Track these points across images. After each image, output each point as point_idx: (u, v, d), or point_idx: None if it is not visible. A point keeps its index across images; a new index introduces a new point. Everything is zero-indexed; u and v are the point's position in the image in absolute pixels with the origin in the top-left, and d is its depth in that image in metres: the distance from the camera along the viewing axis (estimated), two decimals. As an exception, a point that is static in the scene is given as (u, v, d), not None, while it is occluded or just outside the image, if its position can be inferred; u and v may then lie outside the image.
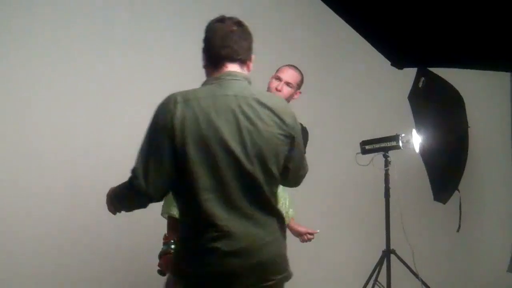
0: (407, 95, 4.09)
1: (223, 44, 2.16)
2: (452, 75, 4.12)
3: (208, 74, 2.20)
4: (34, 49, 3.70)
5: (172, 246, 2.56)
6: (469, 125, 4.22)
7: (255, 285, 2.10)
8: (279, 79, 3.16)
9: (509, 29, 3.25)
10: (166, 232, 2.70)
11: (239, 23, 2.24)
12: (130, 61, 3.88)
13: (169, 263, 2.37)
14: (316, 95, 4.70)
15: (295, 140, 2.18)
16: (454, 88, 4.15)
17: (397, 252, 3.91)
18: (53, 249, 3.65)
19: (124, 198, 2.17)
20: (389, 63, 4.04)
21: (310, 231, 3.02)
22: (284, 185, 2.44)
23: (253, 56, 2.25)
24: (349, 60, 4.74)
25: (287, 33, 4.63)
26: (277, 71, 3.20)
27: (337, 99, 4.75)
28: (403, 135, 3.84)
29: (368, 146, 3.89)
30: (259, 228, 2.10)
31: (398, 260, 3.89)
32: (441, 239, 4.80)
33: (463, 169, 4.25)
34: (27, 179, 3.63)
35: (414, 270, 3.83)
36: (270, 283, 2.11)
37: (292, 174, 2.26)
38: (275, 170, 2.12)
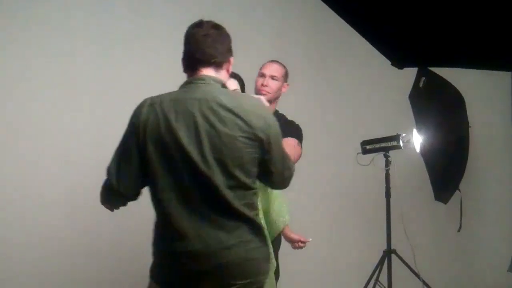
0: (407, 95, 4.09)
1: (197, 49, 2.20)
2: (452, 75, 4.12)
3: (187, 78, 2.24)
4: (33, 48, 3.70)
5: None
6: (470, 124, 4.22)
7: None
8: (263, 75, 3.16)
9: (509, 28, 3.24)
10: None
11: (215, 27, 2.25)
12: (130, 61, 3.88)
13: None
14: (316, 95, 4.70)
15: (266, 142, 2.13)
16: (455, 88, 4.15)
17: (398, 252, 3.91)
18: (52, 249, 3.64)
19: (104, 195, 2.25)
20: (389, 62, 4.04)
21: (302, 239, 2.99)
22: (271, 187, 2.44)
23: (231, 59, 2.25)
24: (349, 60, 4.74)
25: (287, 33, 4.63)
26: (260, 68, 3.20)
27: (337, 99, 4.74)
28: (403, 135, 3.83)
29: (368, 146, 3.89)
30: (221, 231, 2.09)
31: (399, 260, 3.89)
32: (442, 239, 4.79)
33: (464, 169, 4.24)
34: (27, 179, 3.63)
35: (415, 270, 3.83)
36: (234, 287, 2.11)
37: (276, 177, 2.24)
38: (239, 173, 2.10)
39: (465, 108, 4.18)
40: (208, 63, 2.19)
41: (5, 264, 3.53)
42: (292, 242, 3.00)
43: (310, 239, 2.98)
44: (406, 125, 3.95)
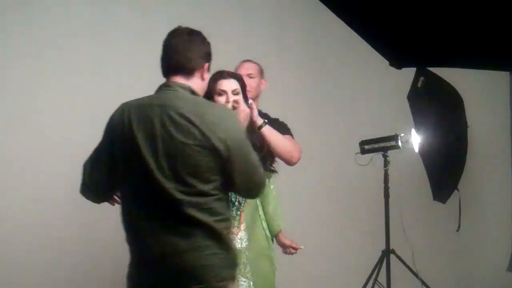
0: (406, 95, 4.09)
1: (167, 56, 2.25)
2: (451, 75, 4.13)
3: None
4: (32, 47, 3.70)
5: None
6: (468, 124, 4.23)
7: None
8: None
9: (508, 28, 3.25)
10: None
11: (189, 33, 2.26)
12: (134, 59, 3.88)
13: None
14: (315, 95, 4.71)
15: (225, 152, 2.12)
16: (453, 88, 4.16)
17: (397, 251, 3.91)
18: (53, 249, 3.65)
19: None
20: (388, 63, 4.04)
21: (294, 245, 2.98)
22: (242, 196, 2.45)
23: (206, 65, 2.26)
24: (348, 60, 4.74)
25: (285, 33, 4.63)
26: (235, 70, 3.18)
27: (336, 99, 4.75)
28: (402, 135, 3.84)
29: (367, 146, 3.89)
30: (177, 237, 2.12)
31: (397, 260, 3.89)
32: (440, 238, 4.80)
33: (463, 169, 4.25)
34: (26, 179, 3.63)
35: (414, 270, 3.83)
36: None
37: (241, 186, 2.23)
38: (194, 181, 2.10)
39: (464, 108, 4.19)
40: (176, 70, 2.23)
41: (4, 264, 3.53)
42: (284, 247, 2.99)
43: (302, 247, 2.97)
44: (404, 125, 3.95)
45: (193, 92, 2.23)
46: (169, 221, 2.13)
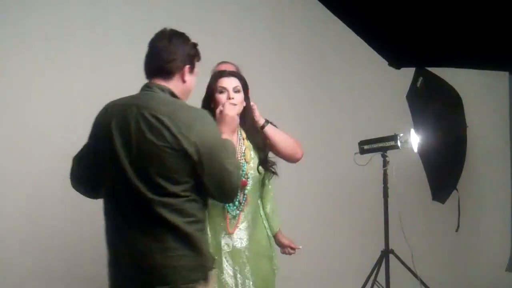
0: (405, 95, 4.09)
1: (148, 58, 2.30)
2: (450, 75, 4.13)
3: None
4: (31, 46, 3.70)
5: None
6: (467, 124, 4.23)
7: None
8: None
9: (507, 28, 3.25)
10: None
11: (170, 36, 2.29)
12: (130, 59, 3.87)
13: None
14: (314, 95, 4.71)
15: (195, 156, 2.14)
16: (453, 88, 4.15)
17: (396, 252, 3.91)
18: (53, 249, 3.65)
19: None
20: (386, 63, 4.04)
21: (292, 245, 2.97)
22: (216, 200, 2.43)
23: (186, 67, 2.28)
24: (347, 60, 4.74)
25: (284, 33, 4.63)
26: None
27: (335, 99, 4.75)
28: (401, 135, 3.84)
29: (366, 146, 3.89)
30: (147, 237, 2.15)
31: (397, 260, 3.89)
32: (440, 238, 4.80)
33: (462, 169, 4.25)
34: (24, 178, 3.63)
35: (413, 270, 3.83)
36: None
37: (212, 190, 2.24)
38: (164, 182, 2.13)
39: (463, 108, 4.19)
40: (155, 72, 2.27)
41: (4, 265, 3.54)
42: (282, 246, 2.99)
43: (300, 247, 2.97)
44: (403, 125, 3.95)
45: (172, 94, 2.26)
46: (141, 221, 2.16)
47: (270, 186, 2.95)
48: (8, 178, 3.61)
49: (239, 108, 2.73)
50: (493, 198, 5.01)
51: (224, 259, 2.68)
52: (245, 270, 2.71)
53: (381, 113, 4.68)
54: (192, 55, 2.31)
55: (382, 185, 3.93)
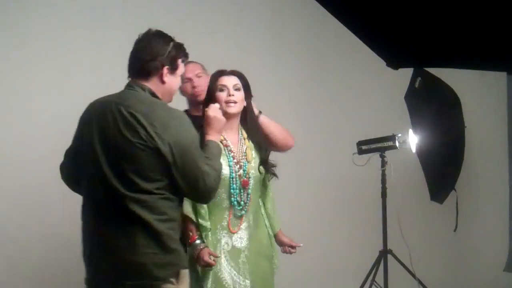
0: (403, 95, 4.09)
1: (129, 59, 2.35)
2: (448, 75, 4.13)
3: None
4: (31, 46, 3.70)
5: (199, 241, 2.62)
6: (465, 125, 4.23)
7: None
8: (188, 78, 3.08)
9: (505, 29, 3.25)
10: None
11: (151, 36, 2.34)
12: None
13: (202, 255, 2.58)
14: (312, 95, 4.72)
15: (168, 155, 2.18)
16: (451, 88, 4.15)
17: (394, 252, 3.91)
18: (52, 249, 3.65)
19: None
20: (384, 63, 4.04)
21: (293, 244, 2.96)
22: (192, 200, 2.48)
23: (165, 69, 2.30)
24: (344, 60, 4.75)
25: (282, 34, 4.64)
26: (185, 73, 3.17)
27: (333, 100, 4.75)
28: (399, 135, 3.84)
29: (364, 147, 3.89)
30: (118, 233, 2.20)
31: (395, 260, 3.90)
32: (438, 238, 4.81)
33: (460, 169, 4.25)
34: (24, 178, 3.63)
35: (411, 270, 3.84)
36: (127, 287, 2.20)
37: (187, 190, 2.27)
38: (137, 179, 2.17)
39: (461, 108, 4.19)
40: (135, 71, 2.32)
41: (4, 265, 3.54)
42: (283, 245, 2.98)
43: (301, 244, 2.97)
44: (402, 126, 3.96)
45: (153, 94, 2.29)
46: (113, 216, 2.20)
47: (270, 187, 2.95)
48: (8, 178, 3.61)
49: (239, 107, 2.73)
50: (491, 198, 5.02)
51: (223, 258, 2.68)
52: (244, 270, 2.72)
53: (379, 114, 4.69)
54: (174, 57, 2.33)
55: (381, 185, 3.93)
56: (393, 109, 4.42)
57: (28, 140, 3.64)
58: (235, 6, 4.43)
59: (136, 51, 2.33)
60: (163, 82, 2.31)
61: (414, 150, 3.90)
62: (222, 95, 2.70)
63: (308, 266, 4.33)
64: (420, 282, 3.86)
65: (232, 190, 2.69)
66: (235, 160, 2.72)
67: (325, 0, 3.49)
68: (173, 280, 2.23)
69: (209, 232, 2.66)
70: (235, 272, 2.69)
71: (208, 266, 2.58)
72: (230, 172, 2.69)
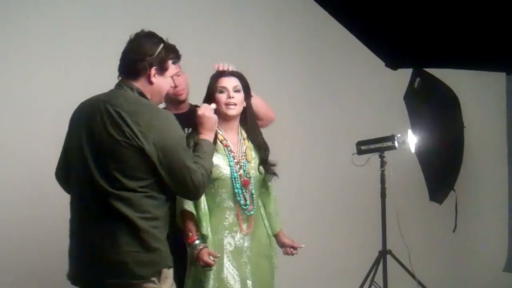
0: (402, 96, 4.10)
1: (120, 60, 2.38)
2: (447, 76, 4.14)
3: None
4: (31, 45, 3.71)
5: (198, 241, 2.62)
6: (464, 125, 4.24)
7: (93, 285, 2.26)
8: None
9: (504, 29, 3.26)
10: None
11: (140, 37, 2.36)
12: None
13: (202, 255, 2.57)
14: (311, 96, 4.72)
15: (153, 153, 2.20)
16: (450, 89, 4.16)
17: (394, 252, 3.91)
18: (52, 249, 3.65)
19: None
20: (383, 64, 4.05)
21: (295, 245, 2.94)
22: (180, 196, 2.49)
23: (152, 70, 2.31)
24: (344, 61, 4.75)
25: (281, 34, 4.64)
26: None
27: (332, 100, 4.76)
28: (399, 135, 3.84)
29: (364, 147, 3.89)
30: (102, 230, 2.22)
31: (394, 260, 3.90)
32: (437, 239, 4.81)
33: (459, 169, 4.25)
34: (24, 179, 3.63)
35: (411, 270, 3.84)
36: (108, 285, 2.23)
37: (175, 187, 2.29)
38: (121, 177, 2.20)
39: (460, 108, 4.20)
40: (123, 71, 2.35)
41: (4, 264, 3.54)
42: (284, 246, 2.98)
43: (303, 245, 2.96)
44: (401, 126, 3.96)
45: (141, 94, 2.31)
46: (98, 214, 2.22)
47: (272, 187, 2.95)
48: (8, 178, 3.61)
49: (239, 108, 2.74)
50: (491, 199, 5.03)
51: (226, 258, 2.68)
52: (246, 270, 2.72)
53: (378, 114, 4.69)
54: (163, 57, 2.34)
55: (380, 186, 3.94)
56: (392, 109, 4.42)
57: (28, 140, 3.65)
58: (235, 6, 4.44)
59: (126, 51, 2.35)
60: (150, 82, 2.33)
61: (413, 151, 3.91)
62: (222, 97, 2.70)
63: (308, 266, 4.33)
64: (420, 283, 3.86)
65: (236, 190, 2.69)
66: (235, 160, 2.72)
67: (325, 1, 3.50)
68: (154, 279, 2.25)
69: (210, 233, 2.66)
70: (237, 272, 2.69)
71: (208, 266, 2.58)
72: (231, 172, 2.70)
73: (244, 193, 2.71)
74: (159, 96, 2.40)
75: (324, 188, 4.61)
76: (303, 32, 4.71)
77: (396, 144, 3.82)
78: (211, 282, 2.62)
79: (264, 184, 2.89)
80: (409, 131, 3.89)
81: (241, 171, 2.72)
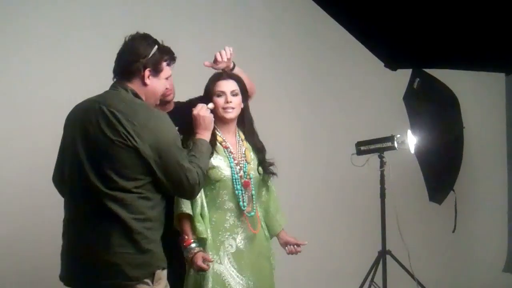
0: (402, 96, 4.10)
1: (115, 61, 2.38)
2: (446, 76, 4.14)
3: None
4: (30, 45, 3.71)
5: (194, 245, 2.61)
6: (464, 125, 4.24)
7: (88, 286, 2.26)
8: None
9: (503, 30, 3.26)
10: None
11: (134, 39, 2.36)
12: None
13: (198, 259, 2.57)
14: (311, 96, 4.72)
15: (148, 153, 2.21)
16: (449, 89, 4.17)
17: (393, 252, 3.92)
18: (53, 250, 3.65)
19: None
20: (382, 64, 4.05)
21: (299, 242, 2.93)
22: (176, 195, 2.50)
23: (146, 71, 2.32)
24: (343, 61, 4.76)
25: (280, 35, 4.65)
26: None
27: (332, 101, 4.76)
28: (398, 135, 3.85)
29: (363, 147, 3.90)
30: (96, 232, 2.22)
31: (394, 261, 3.90)
32: (436, 239, 4.81)
33: (458, 170, 4.26)
34: (24, 179, 3.63)
35: (410, 271, 3.84)
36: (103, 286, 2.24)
37: (170, 187, 2.30)
38: (116, 176, 2.20)
39: (459, 109, 4.20)
40: (118, 73, 2.36)
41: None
42: (288, 244, 2.97)
43: (306, 242, 2.96)
44: (400, 126, 3.97)
45: (136, 95, 2.32)
46: (91, 214, 2.23)
47: (273, 187, 2.96)
48: (8, 178, 3.61)
49: (236, 112, 2.74)
50: (490, 199, 5.03)
51: (227, 260, 2.68)
52: (247, 271, 2.72)
53: (378, 114, 4.69)
54: (157, 59, 2.35)
55: (379, 186, 3.94)
56: (392, 110, 4.42)
57: (28, 140, 3.64)
58: (235, 7, 4.44)
59: (120, 53, 2.36)
60: (145, 84, 2.34)
61: (412, 151, 3.91)
62: (220, 101, 2.70)
63: (307, 267, 4.33)
64: (419, 283, 3.86)
65: (237, 192, 2.70)
66: (235, 162, 2.72)
67: (324, 2, 3.50)
68: (147, 280, 2.25)
69: (210, 235, 2.66)
70: (238, 274, 2.69)
71: (201, 270, 2.58)
72: (232, 173, 2.70)
73: (244, 195, 2.71)
74: (153, 97, 2.40)
75: (324, 188, 4.62)
76: (303, 32, 4.72)
77: (396, 145, 3.82)
78: (210, 285, 2.61)
79: (264, 184, 2.89)
80: (409, 132, 3.89)
81: (241, 172, 2.73)
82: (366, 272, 3.93)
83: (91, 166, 2.23)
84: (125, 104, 2.27)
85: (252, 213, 2.75)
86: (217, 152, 2.68)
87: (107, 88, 2.41)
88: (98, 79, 3.16)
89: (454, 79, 4.19)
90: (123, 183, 2.21)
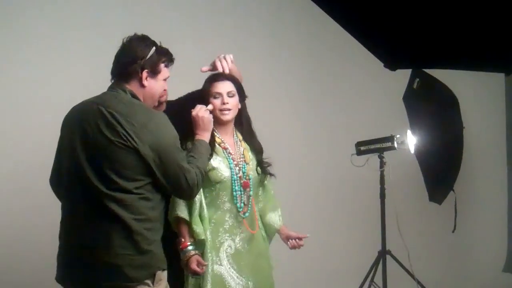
0: (402, 96, 4.10)
1: (113, 62, 2.40)
2: (446, 76, 4.14)
3: None
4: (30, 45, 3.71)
5: (190, 248, 2.60)
6: (463, 125, 4.24)
7: (87, 287, 2.25)
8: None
9: (503, 30, 3.26)
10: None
11: (131, 40, 2.37)
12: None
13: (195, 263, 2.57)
14: (310, 97, 4.72)
15: (147, 154, 2.22)
16: (449, 89, 4.17)
17: (393, 252, 3.92)
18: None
19: None
20: (382, 64, 4.05)
21: (301, 235, 2.93)
22: (175, 196, 2.50)
23: (144, 73, 2.33)
24: (343, 62, 4.76)
25: (280, 35, 4.65)
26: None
27: (331, 101, 4.76)
28: (398, 136, 3.85)
29: (363, 147, 3.90)
30: (96, 232, 2.22)
31: (393, 261, 3.90)
32: (436, 239, 4.81)
33: (458, 170, 4.26)
34: (23, 179, 3.63)
35: (410, 271, 3.85)
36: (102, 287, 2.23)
37: (170, 187, 2.31)
38: (116, 177, 2.21)
39: (459, 109, 4.20)
40: (116, 74, 2.37)
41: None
42: (290, 238, 2.95)
43: (308, 235, 2.95)
44: (400, 126, 3.97)
45: (134, 96, 2.33)
46: (91, 215, 2.22)
47: (269, 185, 2.95)
48: (8, 178, 3.61)
49: (233, 113, 2.73)
50: (490, 199, 5.03)
51: (226, 261, 2.68)
52: (247, 272, 2.72)
53: (377, 114, 4.69)
54: (155, 61, 2.35)
55: (379, 186, 3.94)
56: (392, 110, 4.43)
57: (28, 140, 3.65)
58: (235, 7, 4.44)
59: (118, 54, 2.37)
60: (143, 85, 2.34)
61: (412, 151, 3.92)
62: (216, 102, 2.69)
63: (307, 267, 4.34)
64: (419, 283, 3.86)
65: (235, 192, 2.69)
66: (234, 162, 2.73)
67: (324, 2, 3.50)
68: (148, 281, 2.25)
69: (209, 237, 2.66)
70: (238, 275, 2.69)
71: (196, 274, 2.58)
72: (231, 174, 2.70)
73: (242, 195, 2.71)
74: (151, 99, 2.40)
75: (324, 188, 4.62)
76: (302, 33, 4.72)
77: (396, 145, 3.83)
78: (209, 286, 2.61)
79: (261, 185, 2.89)
80: (408, 132, 3.90)
81: (240, 173, 2.73)
82: (366, 272, 3.93)
83: (91, 167, 2.23)
84: (123, 105, 2.27)
85: (247, 214, 2.74)
86: (216, 153, 2.69)
87: (107, 87, 2.42)
88: (98, 79, 3.18)
89: (454, 79, 4.19)
90: (124, 183, 2.21)
